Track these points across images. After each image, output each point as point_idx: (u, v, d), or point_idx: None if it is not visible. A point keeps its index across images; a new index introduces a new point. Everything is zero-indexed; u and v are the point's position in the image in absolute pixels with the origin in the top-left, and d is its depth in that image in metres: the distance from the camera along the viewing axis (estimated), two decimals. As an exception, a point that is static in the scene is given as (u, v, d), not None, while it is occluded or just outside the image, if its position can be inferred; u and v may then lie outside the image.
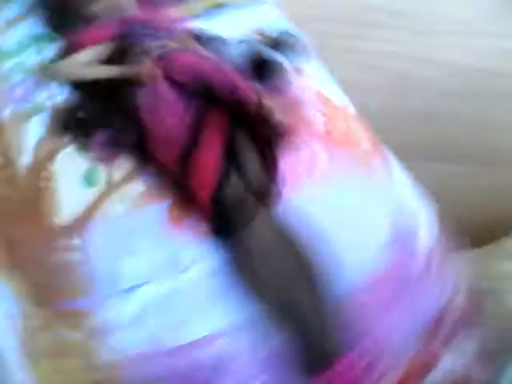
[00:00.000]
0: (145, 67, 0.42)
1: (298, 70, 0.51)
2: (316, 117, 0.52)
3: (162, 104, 0.41)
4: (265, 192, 0.42)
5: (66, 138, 0.43)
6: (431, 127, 0.65)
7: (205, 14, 0.51)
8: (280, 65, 0.49)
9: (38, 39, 0.46)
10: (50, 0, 0.46)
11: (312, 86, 0.54)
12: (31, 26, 0.47)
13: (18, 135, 0.43)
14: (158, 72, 0.41)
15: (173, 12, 0.50)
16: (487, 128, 0.65)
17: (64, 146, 0.43)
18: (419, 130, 0.66)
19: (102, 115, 0.42)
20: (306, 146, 0.48)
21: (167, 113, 0.41)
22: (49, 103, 0.43)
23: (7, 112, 0.43)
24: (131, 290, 0.39)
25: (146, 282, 0.40)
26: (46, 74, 0.44)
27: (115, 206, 0.42)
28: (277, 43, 0.51)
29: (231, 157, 0.42)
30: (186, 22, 0.50)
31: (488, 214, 0.64)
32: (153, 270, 0.40)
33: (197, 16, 0.51)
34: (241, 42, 0.51)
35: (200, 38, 0.48)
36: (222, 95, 0.41)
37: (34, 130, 0.43)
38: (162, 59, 0.42)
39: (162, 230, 0.41)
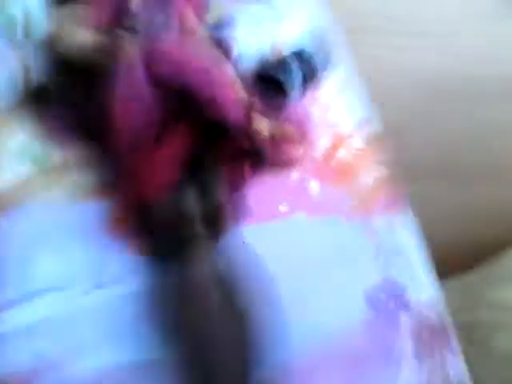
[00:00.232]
0: (123, 45, 0.36)
1: (309, 89, 0.45)
2: (316, 142, 0.46)
3: (132, 93, 0.35)
4: (218, 220, 0.36)
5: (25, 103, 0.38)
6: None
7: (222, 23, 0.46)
8: (288, 84, 0.42)
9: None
10: None
11: (322, 108, 0.48)
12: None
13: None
14: (135, 56, 0.36)
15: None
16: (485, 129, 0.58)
17: (17, 110, 0.39)
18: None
19: (69, 93, 0.37)
20: (295, 171, 0.43)
21: (135, 104, 0.35)
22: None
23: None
24: (38, 293, 0.34)
25: (58, 289, 0.34)
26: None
27: (50, 193, 0.36)
28: (292, 59, 0.45)
29: (193, 171, 0.36)
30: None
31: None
32: (69, 276, 0.35)
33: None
34: (254, 54, 0.46)
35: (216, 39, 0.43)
36: (199, 100, 0.35)
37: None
38: (150, 46, 0.37)
39: (94, 233, 0.36)
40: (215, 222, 0.34)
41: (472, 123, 0.56)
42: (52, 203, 0.35)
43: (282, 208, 0.42)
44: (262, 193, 0.41)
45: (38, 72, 0.38)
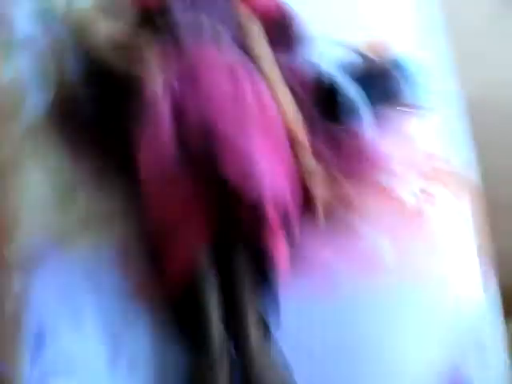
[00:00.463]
0: (150, 80, 0.30)
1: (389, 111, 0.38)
2: (394, 192, 0.39)
3: (157, 149, 0.30)
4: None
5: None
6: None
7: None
8: (358, 106, 0.35)
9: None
10: None
11: (412, 147, 0.40)
12: None
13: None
14: (161, 96, 0.30)
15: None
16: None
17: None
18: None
19: (95, 107, 0.33)
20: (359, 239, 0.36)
21: (160, 161, 0.29)
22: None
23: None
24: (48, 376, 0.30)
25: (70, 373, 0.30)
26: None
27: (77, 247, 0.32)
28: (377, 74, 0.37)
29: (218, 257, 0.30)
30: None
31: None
32: (86, 349, 0.31)
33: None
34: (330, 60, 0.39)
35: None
36: (227, 178, 0.28)
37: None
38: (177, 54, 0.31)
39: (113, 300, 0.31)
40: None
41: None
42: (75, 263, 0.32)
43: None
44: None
45: (70, 72, 0.34)
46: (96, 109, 0.32)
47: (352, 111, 0.34)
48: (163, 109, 0.28)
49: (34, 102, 0.33)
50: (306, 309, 0.33)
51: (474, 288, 0.38)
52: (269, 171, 0.28)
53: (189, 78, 0.29)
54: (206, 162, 0.28)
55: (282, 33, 0.35)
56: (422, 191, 0.38)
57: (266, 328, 0.30)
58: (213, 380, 0.28)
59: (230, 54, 0.31)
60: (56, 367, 0.30)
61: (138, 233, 0.31)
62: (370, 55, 0.38)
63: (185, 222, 0.28)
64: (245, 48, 0.32)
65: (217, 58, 0.30)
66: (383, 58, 0.37)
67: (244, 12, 0.33)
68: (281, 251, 0.28)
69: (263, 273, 0.29)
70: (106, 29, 0.32)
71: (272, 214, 0.27)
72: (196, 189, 0.28)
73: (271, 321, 0.30)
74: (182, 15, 0.31)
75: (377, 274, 0.35)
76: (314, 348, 0.32)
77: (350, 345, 0.33)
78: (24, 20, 0.34)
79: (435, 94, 0.37)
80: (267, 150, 0.29)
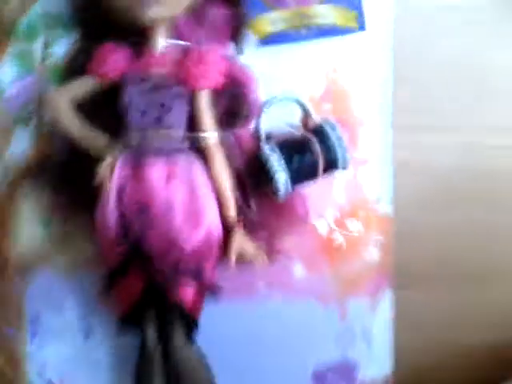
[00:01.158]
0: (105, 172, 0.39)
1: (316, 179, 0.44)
2: (312, 227, 0.47)
3: (105, 220, 0.39)
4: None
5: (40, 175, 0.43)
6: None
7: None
8: (275, 170, 0.42)
9: (50, 22, 0.42)
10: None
11: (327, 186, 0.47)
12: (48, 3, 0.42)
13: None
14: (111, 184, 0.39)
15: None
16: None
17: (35, 182, 0.44)
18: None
19: (71, 177, 0.41)
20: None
21: (107, 230, 0.39)
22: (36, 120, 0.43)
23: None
24: (42, 342, 0.44)
25: (57, 340, 0.44)
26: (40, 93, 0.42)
27: (58, 262, 0.43)
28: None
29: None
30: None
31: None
32: (69, 331, 0.44)
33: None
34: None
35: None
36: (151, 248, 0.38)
37: (16, 147, 0.43)
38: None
39: (86, 300, 0.44)
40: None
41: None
42: (57, 270, 0.43)
43: (260, 287, 0.46)
44: (243, 270, 0.44)
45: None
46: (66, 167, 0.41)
47: (277, 179, 0.41)
48: (112, 190, 0.38)
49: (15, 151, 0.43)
50: (224, 312, 0.43)
51: (371, 300, 0.48)
52: (186, 239, 0.38)
53: (132, 169, 0.38)
54: (138, 233, 0.37)
55: (233, 104, 0.41)
56: (336, 223, 0.46)
57: (188, 333, 0.41)
58: (150, 361, 0.40)
59: (171, 144, 0.39)
60: (48, 338, 0.43)
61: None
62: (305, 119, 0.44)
63: (123, 274, 0.39)
64: (192, 126, 0.40)
65: (157, 153, 0.39)
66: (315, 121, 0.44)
67: (195, 85, 0.40)
68: (188, 295, 0.39)
69: (181, 311, 0.40)
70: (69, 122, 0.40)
71: (181, 274, 0.38)
72: (131, 251, 0.38)
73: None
74: (136, 100, 0.38)
75: (288, 291, 0.45)
76: (226, 343, 0.44)
77: (260, 342, 0.45)
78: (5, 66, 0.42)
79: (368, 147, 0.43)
80: (189, 218, 0.38)
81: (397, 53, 0.46)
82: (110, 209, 0.38)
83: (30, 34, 0.42)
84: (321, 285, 0.46)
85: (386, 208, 0.48)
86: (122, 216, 0.38)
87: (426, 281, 0.54)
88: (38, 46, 0.42)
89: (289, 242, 0.45)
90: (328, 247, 0.46)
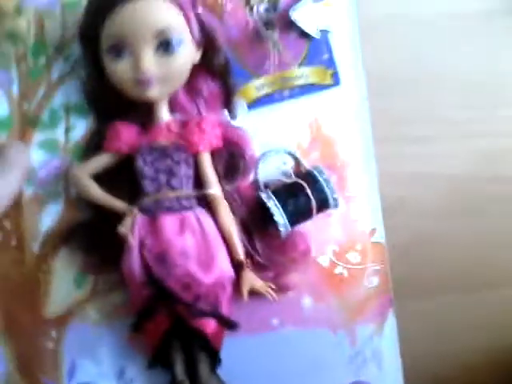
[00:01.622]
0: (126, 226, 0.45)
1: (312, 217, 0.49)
2: (315, 262, 0.51)
3: (130, 271, 0.45)
4: None
5: (71, 238, 0.50)
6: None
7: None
8: (277, 212, 0.47)
9: (69, 110, 0.50)
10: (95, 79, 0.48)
11: (326, 222, 0.53)
12: (66, 93, 0.50)
13: (34, 220, 0.50)
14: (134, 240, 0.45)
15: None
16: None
17: (67, 244, 0.50)
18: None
19: (101, 235, 0.48)
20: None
21: (133, 280, 0.45)
22: (64, 193, 0.50)
23: (29, 192, 0.50)
24: None
25: (93, 382, 0.49)
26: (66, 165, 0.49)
27: (91, 313, 0.49)
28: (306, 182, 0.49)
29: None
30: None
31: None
32: (104, 375, 0.49)
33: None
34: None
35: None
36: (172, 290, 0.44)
37: (48, 218, 0.50)
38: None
39: (119, 345, 0.49)
40: None
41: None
42: (92, 322, 0.49)
43: (274, 321, 0.51)
44: (257, 307, 0.50)
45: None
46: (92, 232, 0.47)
47: (277, 222, 0.47)
48: (134, 243, 0.44)
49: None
50: (243, 347, 0.48)
51: (377, 324, 0.52)
52: (201, 280, 0.43)
53: (150, 226, 0.44)
54: (160, 278, 0.43)
55: (232, 162, 0.47)
56: (337, 257, 0.51)
57: (212, 365, 0.46)
58: None
59: (181, 202, 0.45)
60: (82, 382, 0.48)
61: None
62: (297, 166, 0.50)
63: (151, 314, 0.44)
64: (199, 184, 0.46)
65: (169, 210, 0.45)
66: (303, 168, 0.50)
67: (195, 150, 0.46)
68: (210, 328, 0.44)
69: (204, 343, 0.44)
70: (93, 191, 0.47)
71: (201, 308, 0.44)
72: (155, 294, 0.44)
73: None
74: (147, 168, 0.45)
75: (298, 322, 0.49)
76: (246, 375, 0.48)
77: (278, 372, 0.49)
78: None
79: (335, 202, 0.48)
80: (203, 262, 0.44)
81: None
82: (133, 260, 0.45)
83: (53, 123, 0.49)
84: (329, 314, 0.51)
85: (380, 237, 0.53)
86: (144, 265, 0.44)
87: (429, 293, 0.57)
88: (60, 132, 0.49)
89: (295, 278, 0.51)
90: (332, 279, 0.52)
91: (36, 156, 0.49)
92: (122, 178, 0.48)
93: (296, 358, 0.50)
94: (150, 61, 0.44)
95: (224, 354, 0.48)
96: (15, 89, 0.49)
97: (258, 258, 0.48)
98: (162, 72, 0.45)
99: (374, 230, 0.53)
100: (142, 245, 0.45)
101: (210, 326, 0.45)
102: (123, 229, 0.45)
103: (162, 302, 0.45)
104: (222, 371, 0.48)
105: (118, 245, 0.46)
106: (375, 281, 0.53)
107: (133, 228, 0.45)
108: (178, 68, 0.45)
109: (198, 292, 0.44)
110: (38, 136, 0.49)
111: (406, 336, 0.52)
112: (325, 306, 0.51)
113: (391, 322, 0.53)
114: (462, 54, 0.56)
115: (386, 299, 0.53)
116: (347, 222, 0.52)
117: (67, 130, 0.50)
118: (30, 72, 0.49)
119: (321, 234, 0.51)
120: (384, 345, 0.52)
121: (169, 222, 0.45)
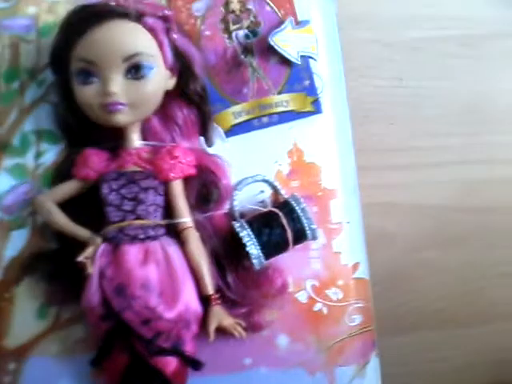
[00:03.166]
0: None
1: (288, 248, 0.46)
2: (292, 298, 0.48)
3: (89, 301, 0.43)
4: None
5: (35, 267, 0.48)
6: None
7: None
8: (251, 243, 0.45)
9: (41, 135, 0.48)
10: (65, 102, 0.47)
11: (305, 258, 0.49)
12: (38, 119, 0.48)
13: (-1, 248, 0.49)
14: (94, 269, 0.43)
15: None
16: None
17: (30, 275, 0.48)
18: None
19: (65, 265, 0.45)
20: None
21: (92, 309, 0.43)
22: (30, 220, 0.48)
23: (-7, 220, 0.49)
24: None
25: None
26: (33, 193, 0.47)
27: (52, 346, 0.47)
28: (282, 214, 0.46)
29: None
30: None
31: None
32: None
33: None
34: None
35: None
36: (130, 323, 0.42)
37: (12, 245, 0.48)
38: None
39: (79, 381, 0.46)
40: None
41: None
42: (52, 355, 0.46)
43: (246, 361, 0.48)
44: (228, 345, 0.46)
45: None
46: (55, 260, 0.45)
47: (250, 253, 0.44)
48: (94, 274, 0.42)
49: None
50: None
51: (358, 366, 0.48)
52: (163, 315, 0.41)
53: (111, 256, 0.42)
54: (118, 311, 0.41)
55: (206, 190, 0.46)
56: (316, 292, 0.48)
57: None
58: None
59: (147, 232, 0.43)
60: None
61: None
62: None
63: (109, 348, 0.42)
64: (169, 213, 0.44)
65: (133, 240, 0.43)
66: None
67: (166, 177, 0.44)
68: (170, 367, 0.41)
69: (162, 380, 0.41)
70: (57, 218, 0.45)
71: (160, 345, 0.41)
72: (113, 328, 0.41)
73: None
74: (112, 195, 0.43)
75: (272, 362, 0.46)
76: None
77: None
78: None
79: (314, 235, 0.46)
80: (166, 296, 0.41)
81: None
82: (92, 291, 0.42)
83: (23, 147, 0.48)
84: (306, 354, 0.48)
85: (363, 272, 0.50)
86: (103, 297, 0.42)
87: (413, 328, 0.54)
88: (30, 157, 0.48)
89: (270, 315, 0.47)
90: (310, 316, 0.48)
91: (3, 182, 0.48)
92: (92, 206, 0.46)
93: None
94: (117, 85, 0.42)
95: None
96: (-14, 113, 0.49)
97: (229, 293, 0.45)
98: (131, 97, 0.43)
99: (357, 264, 0.50)
100: (102, 275, 0.43)
101: (170, 364, 0.42)
102: (82, 258, 0.43)
103: (120, 337, 0.42)
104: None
105: (82, 275, 0.44)
106: (358, 319, 0.49)
107: (93, 257, 0.43)
108: (149, 93, 0.43)
109: (159, 328, 0.42)
110: (6, 161, 0.48)
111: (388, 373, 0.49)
112: (302, 346, 0.48)
113: (374, 364, 0.49)
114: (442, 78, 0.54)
115: (369, 339, 0.50)
116: (328, 255, 0.49)
117: (37, 156, 0.48)
118: (3, 96, 0.48)
119: (299, 268, 0.48)
120: (366, 388, 0.49)
121: (132, 252, 0.43)
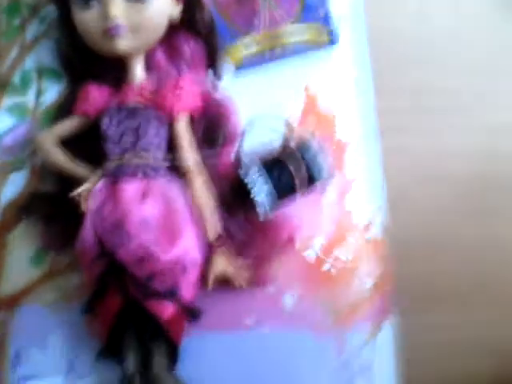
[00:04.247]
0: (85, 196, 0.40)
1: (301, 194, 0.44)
2: (302, 252, 0.45)
3: (84, 239, 0.40)
4: None
5: (30, 212, 0.45)
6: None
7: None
8: (256, 188, 0.41)
9: (42, 72, 0.46)
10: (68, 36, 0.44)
11: (318, 210, 0.47)
12: (39, 56, 0.46)
13: (-4, 189, 0.46)
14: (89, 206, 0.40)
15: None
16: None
17: (27, 217, 0.46)
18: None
19: (62, 208, 0.43)
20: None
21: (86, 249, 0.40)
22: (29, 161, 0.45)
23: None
24: (22, 380, 0.43)
25: (38, 378, 0.43)
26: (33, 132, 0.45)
27: (45, 295, 0.44)
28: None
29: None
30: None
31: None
32: (51, 367, 0.43)
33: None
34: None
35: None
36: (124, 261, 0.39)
37: (9, 189, 0.45)
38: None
39: (71, 333, 0.44)
40: None
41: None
42: (46, 304, 0.44)
43: (249, 320, 0.45)
44: (229, 301, 0.43)
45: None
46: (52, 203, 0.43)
47: (256, 194, 0.41)
48: (89, 211, 0.40)
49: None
50: (209, 346, 0.42)
51: (371, 330, 0.45)
52: (160, 255, 0.38)
53: (109, 191, 0.40)
54: (113, 249, 0.38)
55: (213, 129, 0.43)
56: (324, 252, 0.45)
57: (169, 361, 0.40)
58: None
59: (148, 166, 0.41)
60: (27, 374, 0.43)
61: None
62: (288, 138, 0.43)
63: (103, 291, 0.39)
64: (172, 150, 0.41)
65: (133, 174, 0.40)
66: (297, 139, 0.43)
67: (171, 109, 0.41)
68: (166, 312, 0.38)
69: (160, 330, 0.39)
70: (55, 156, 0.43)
71: (155, 287, 0.38)
72: (107, 268, 0.39)
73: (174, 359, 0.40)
74: (111, 129, 0.41)
75: (276, 322, 0.43)
76: (212, 378, 0.42)
77: (248, 379, 0.42)
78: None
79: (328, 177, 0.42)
80: (164, 237, 0.39)
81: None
82: (86, 229, 0.39)
83: (24, 87, 0.46)
84: (313, 315, 0.44)
85: (377, 232, 0.47)
86: (98, 236, 0.39)
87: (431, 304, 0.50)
88: (31, 96, 0.45)
89: (275, 269, 0.44)
90: (318, 276, 0.45)
91: (3, 121, 0.46)
92: (93, 144, 0.43)
93: (271, 365, 0.43)
94: (118, 8, 0.40)
95: (187, 352, 0.41)
96: (-13, 49, 0.47)
97: (233, 241, 0.42)
98: (133, 20, 0.40)
99: (370, 224, 0.47)
100: (98, 212, 0.40)
101: (166, 310, 0.39)
102: (76, 193, 0.40)
103: (114, 278, 0.39)
104: (183, 371, 0.41)
105: (80, 217, 0.42)
106: (369, 282, 0.46)
107: (90, 194, 0.40)
108: (150, 18, 0.41)
109: (154, 269, 0.38)
110: (6, 100, 0.46)
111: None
112: (309, 306, 0.44)
113: (387, 332, 0.45)
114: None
115: (382, 304, 0.46)
116: (340, 211, 0.46)
117: (38, 94, 0.46)
118: (4, 33, 0.46)
119: (308, 225, 0.45)
120: (376, 358, 0.45)
121: (131, 188, 0.40)
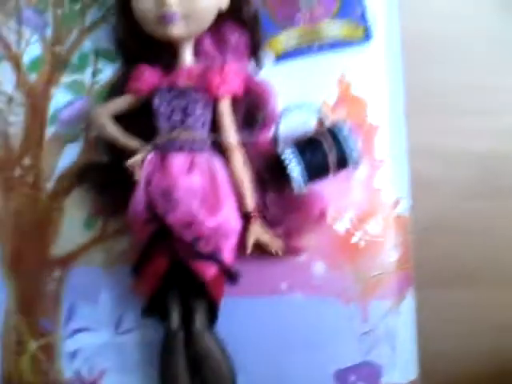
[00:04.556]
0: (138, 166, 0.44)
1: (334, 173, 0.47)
2: (333, 225, 0.48)
3: (136, 208, 0.44)
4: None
5: (85, 177, 0.50)
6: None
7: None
8: (293, 166, 0.45)
9: (99, 54, 0.50)
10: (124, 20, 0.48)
11: (347, 187, 0.50)
12: (96, 39, 0.50)
13: (52, 159, 0.50)
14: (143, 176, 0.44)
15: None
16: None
17: (80, 185, 0.50)
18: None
19: (113, 177, 0.47)
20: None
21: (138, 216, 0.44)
22: (83, 134, 0.50)
23: (51, 131, 0.50)
24: (74, 332, 0.48)
25: (88, 331, 0.48)
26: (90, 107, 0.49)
27: (97, 257, 0.49)
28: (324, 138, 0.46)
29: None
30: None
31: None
32: (101, 322, 0.48)
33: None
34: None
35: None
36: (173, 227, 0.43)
37: (65, 159, 0.50)
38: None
39: (120, 292, 0.48)
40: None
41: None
42: (97, 266, 0.48)
43: (282, 285, 0.48)
44: (264, 268, 0.47)
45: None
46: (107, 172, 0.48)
47: (292, 176, 0.45)
48: (141, 180, 0.44)
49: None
50: (246, 309, 0.46)
51: (393, 301, 0.48)
52: (204, 221, 0.42)
53: (159, 162, 0.44)
54: (162, 214, 0.42)
55: (253, 113, 0.46)
56: (354, 225, 0.48)
57: (209, 319, 0.44)
58: (173, 345, 0.44)
59: (194, 142, 0.45)
60: (79, 327, 0.47)
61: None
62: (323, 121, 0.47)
63: (151, 253, 0.43)
64: (215, 130, 0.45)
65: (181, 148, 0.45)
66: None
67: (216, 92, 0.45)
68: (209, 273, 0.42)
69: (203, 289, 0.43)
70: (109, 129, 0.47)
71: (200, 249, 0.42)
72: (157, 231, 0.43)
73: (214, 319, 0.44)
74: (162, 108, 0.45)
75: (307, 288, 0.47)
76: (248, 340, 0.46)
77: (280, 339, 0.46)
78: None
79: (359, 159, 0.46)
80: (208, 205, 0.42)
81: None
82: (138, 196, 0.44)
83: (81, 65, 0.50)
84: (342, 284, 0.48)
85: (403, 210, 0.50)
86: (149, 201, 0.43)
87: (452, 281, 0.53)
88: (87, 75, 0.50)
89: (307, 240, 0.48)
90: (348, 248, 0.48)
91: (61, 97, 0.50)
92: (144, 121, 0.47)
93: (301, 327, 0.47)
94: None
95: (225, 315, 0.45)
96: (49, 32, 0.51)
97: (268, 213, 0.46)
98: (186, 8, 0.45)
99: (397, 201, 0.50)
100: (149, 181, 0.44)
101: (209, 270, 0.43)
102: (131, 162, 0.45)
103: (162, 240, 0.43)
104: (221, 332, 0.45)
105: (131, 187, 0.46)
106: (394, 255, 0.49)
107: (142, 165, 0.45)
108: (202, 7, 0.45)
109: (199, 232, 0.43)
110: (65, 77, 0.50)
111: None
112: (338, 275, 0.48)
113: (409, 302, 0.49)
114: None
115: (406, 276, 0.49)
116: (370, 189, 0.49)
117: (94, 73, 0.50)
118: (65, 17, 0.51)
119: (339, 199, 0.48)
120: (399, 325, 0.48)
121: (178, 161, 0.44)
